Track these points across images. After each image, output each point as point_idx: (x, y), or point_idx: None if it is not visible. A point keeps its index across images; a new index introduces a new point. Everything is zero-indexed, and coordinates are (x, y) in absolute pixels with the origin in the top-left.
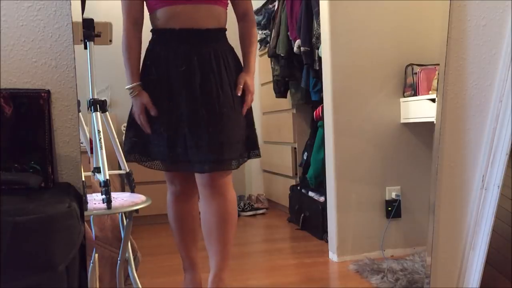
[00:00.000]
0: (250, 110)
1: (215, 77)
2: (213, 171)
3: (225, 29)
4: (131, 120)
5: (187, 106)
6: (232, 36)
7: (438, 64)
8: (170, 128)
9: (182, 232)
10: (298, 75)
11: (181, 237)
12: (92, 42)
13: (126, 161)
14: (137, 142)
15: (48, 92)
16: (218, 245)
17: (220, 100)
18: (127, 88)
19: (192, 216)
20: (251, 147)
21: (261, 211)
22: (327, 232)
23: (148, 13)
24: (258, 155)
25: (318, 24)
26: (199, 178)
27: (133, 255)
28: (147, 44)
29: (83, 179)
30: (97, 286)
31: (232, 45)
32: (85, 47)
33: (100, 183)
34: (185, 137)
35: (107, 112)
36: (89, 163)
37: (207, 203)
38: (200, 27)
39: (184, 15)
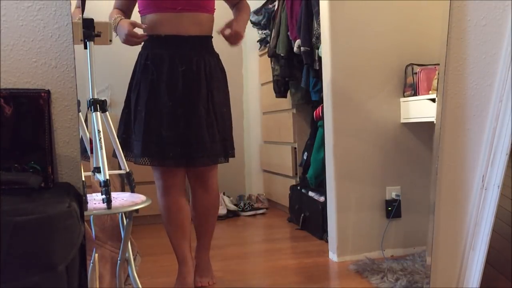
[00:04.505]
0: (229, 116)
1: (196, 81)
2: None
3: (210, 36)
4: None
5: (171, 107)
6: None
7: (438, 64)
8: (155, 126)
9: (172, 225)
10: (298, 75)
11: (171, 231)
12: (92, 42)
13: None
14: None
15: (48, 92)
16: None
17: (198, 103)
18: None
19: (180, 210)
20: (229, 148)
21: (261, 211)
22: (327, 232)
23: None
24: (232, 155)
25: (318, 24)
26: (189, 172)
27: (133, 255)
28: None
29: (83, 179)
30: (97, 286)
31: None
32: (85, 47)
33: (100, 183)
34: (166, 135)
35: (107, 112)
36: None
37: (194, 195)
38: (183, 34)
39: (169, 22)
